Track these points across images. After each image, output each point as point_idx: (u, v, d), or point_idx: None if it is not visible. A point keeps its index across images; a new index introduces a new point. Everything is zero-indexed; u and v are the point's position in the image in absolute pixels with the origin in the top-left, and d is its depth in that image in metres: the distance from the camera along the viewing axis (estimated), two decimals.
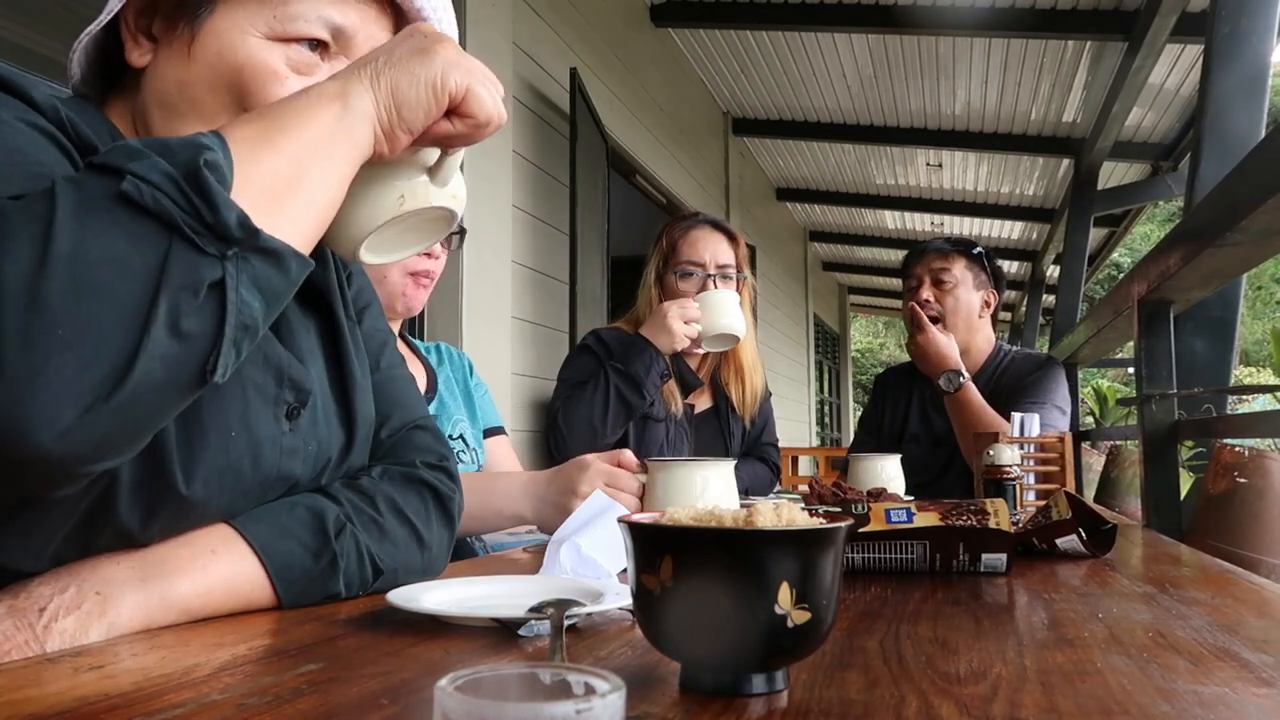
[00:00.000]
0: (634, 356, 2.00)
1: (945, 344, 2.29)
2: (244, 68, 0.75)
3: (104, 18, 0.78)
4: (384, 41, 0.87)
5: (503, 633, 0.68)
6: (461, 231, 1.77)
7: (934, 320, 2.34)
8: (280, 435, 0.78)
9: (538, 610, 0.63)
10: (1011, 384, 2.32)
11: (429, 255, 1.66)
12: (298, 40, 0.77)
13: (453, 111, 0.72)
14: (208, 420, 0.71)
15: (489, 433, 1.90)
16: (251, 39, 0.76)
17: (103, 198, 0.54)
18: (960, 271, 2.39)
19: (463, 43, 3.05)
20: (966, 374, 2.25)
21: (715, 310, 2.03)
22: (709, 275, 2.14)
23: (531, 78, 3.63)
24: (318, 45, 0.79)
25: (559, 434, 2.02)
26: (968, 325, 2.39)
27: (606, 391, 2.00)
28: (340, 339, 0.91)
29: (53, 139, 0.69)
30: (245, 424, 0.74)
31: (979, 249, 2.44)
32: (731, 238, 2.20)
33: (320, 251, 0.93)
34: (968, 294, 2.39)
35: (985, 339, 2.42)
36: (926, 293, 2.38)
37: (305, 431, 0.81)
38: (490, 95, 0.72)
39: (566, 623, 0.65)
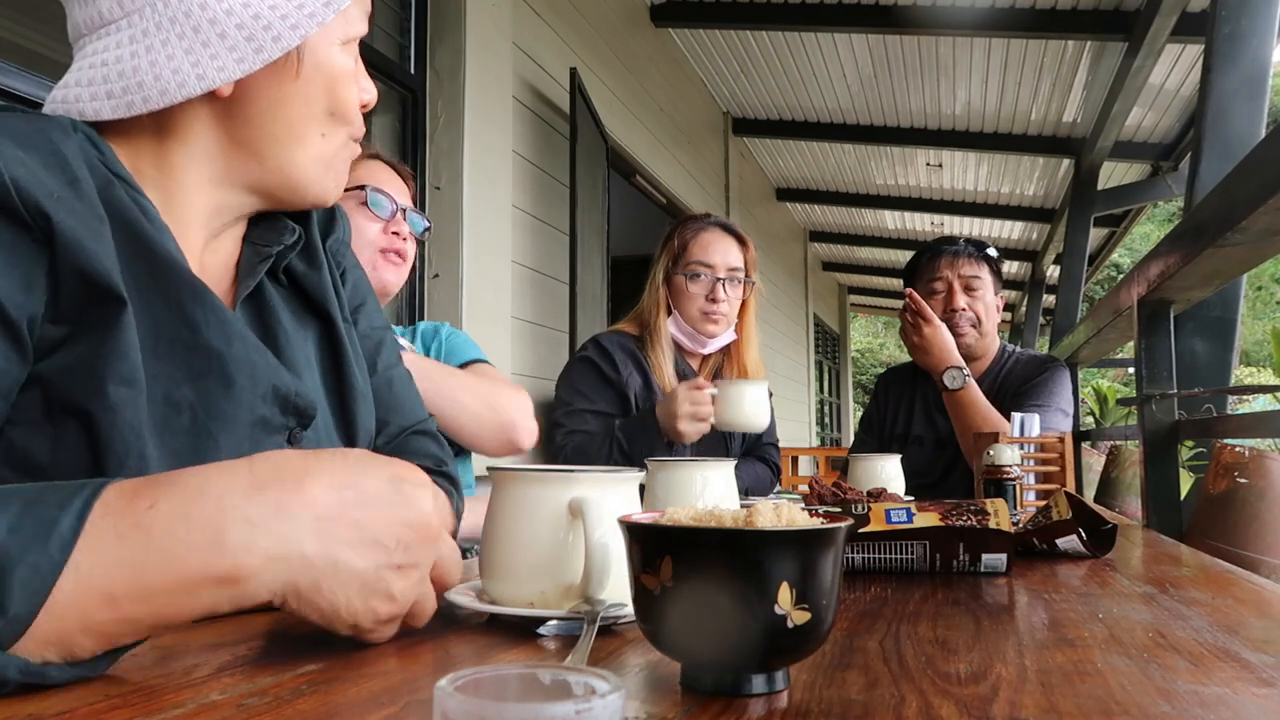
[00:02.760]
0: (643, 442, 1.98)
1: (949, 339, 2.25)
2: (336, 75, 0.82)
3: (218, 79, 0.74)
4: None
5: (502, 632, 0.68)
6: (428, 226, 1.74)
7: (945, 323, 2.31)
8: None
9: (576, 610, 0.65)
10: (1016, 385, 2.31)
11: (398, 235, 1.63)
12: (354, 40, 0.84)
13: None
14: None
15: (463, 366, 1.77)
16: (336, 48, 0.82)
17: None
18: (987, 276, 2.39)
19: (462, 42, 3.08)
20: (969, 370, 2.24)
21: (732, 405, 1.88)
22: (718, 278, 2.14)
23: (531, 78, 3.63)
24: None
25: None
26: (992, 331, 2.39)
27: (609, 458, 2.03)
28: (339, 346, 0.90)
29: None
30: None
31: (996, 254, 2.44)
32: (742, 241, 2.21)
33: (313, 252, 0.92)
34: (992, 300, 2.40)
35: (991, 340, 2.43)
36: (961, 299, 2.35)
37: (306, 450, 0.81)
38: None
39: (602, 623, 0.64)
